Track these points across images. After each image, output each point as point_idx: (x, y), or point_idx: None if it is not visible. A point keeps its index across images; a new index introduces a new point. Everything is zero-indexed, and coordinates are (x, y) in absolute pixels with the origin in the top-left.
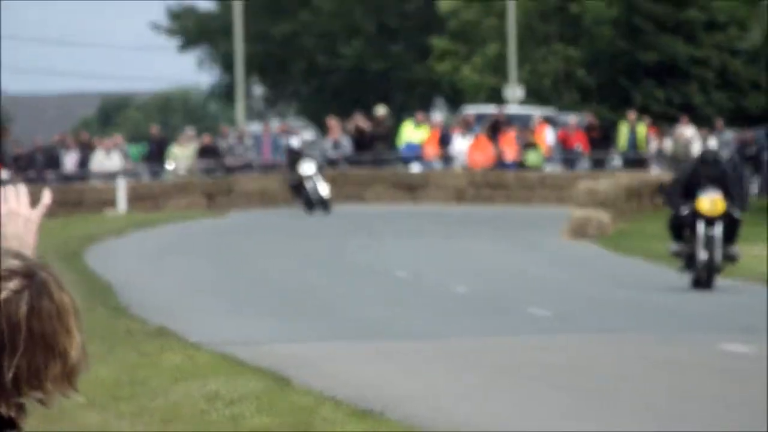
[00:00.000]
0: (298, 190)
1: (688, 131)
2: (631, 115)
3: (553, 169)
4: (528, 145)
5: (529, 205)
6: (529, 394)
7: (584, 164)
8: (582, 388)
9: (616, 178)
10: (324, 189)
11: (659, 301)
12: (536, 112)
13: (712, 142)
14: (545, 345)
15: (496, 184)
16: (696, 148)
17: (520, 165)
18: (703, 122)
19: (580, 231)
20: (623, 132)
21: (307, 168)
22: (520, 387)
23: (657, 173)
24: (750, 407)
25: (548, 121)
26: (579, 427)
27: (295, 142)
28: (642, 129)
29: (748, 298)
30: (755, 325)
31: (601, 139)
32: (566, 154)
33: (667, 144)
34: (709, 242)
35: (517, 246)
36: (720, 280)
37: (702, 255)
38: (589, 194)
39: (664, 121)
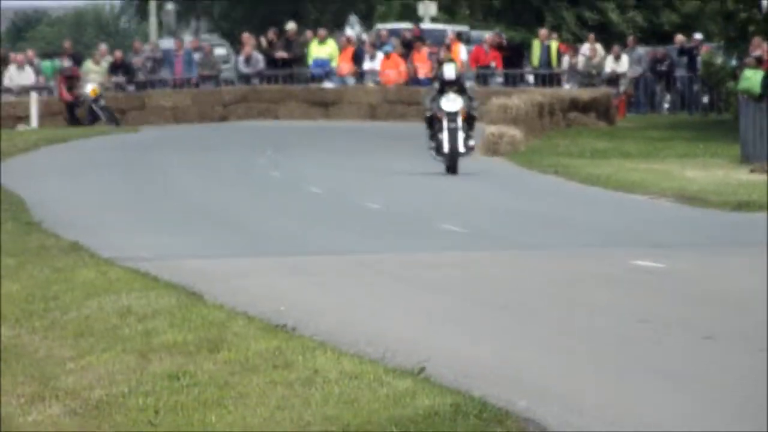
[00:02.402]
0: None
1: (600, 49)
2: (543, 32)
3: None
4: (441, 61)
5: None
6: (442, 309)
7: (497, 81)
8: (496, 303)
9: (528, 95)
10: None
11: (571, 216)
12: (449, 28)
13: (624, 59)
14: (458, 261)
15: (409, 100)
16: (608, 65)
17: (433, 81)
18: (616, 40)
19: (492, 147)
20: (536, 49)
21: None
22: (433, 302)
23: (569, 89)
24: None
25: (461, 38)
26: (496, 345)
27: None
28: (554, 46)
29: (657, 213)
30: (666, 241)
31: (514, 56)
32: (480, 71)
33: (580, 60)
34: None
35: (430, 162)
36: (634, 196)
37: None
38: (501, 111)
39: (575, 40)
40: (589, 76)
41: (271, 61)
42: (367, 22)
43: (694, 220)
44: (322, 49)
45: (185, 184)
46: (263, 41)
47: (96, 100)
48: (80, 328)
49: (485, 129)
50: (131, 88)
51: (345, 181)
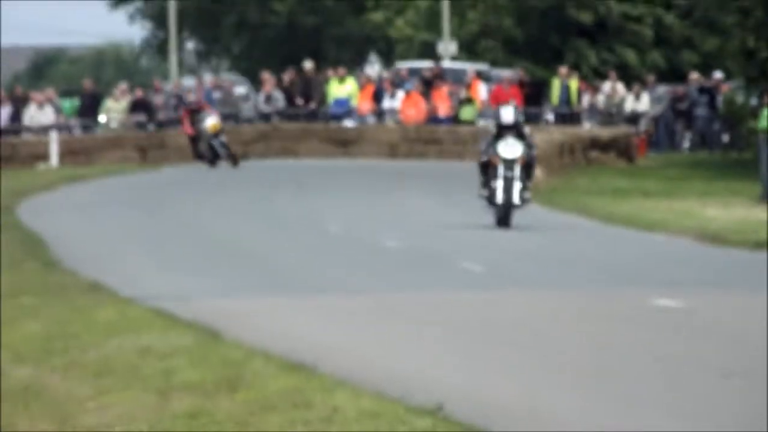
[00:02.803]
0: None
1: (621, 88)
2: (563, 70)
3: (486, 124)
4: (462, 100)
5: (462, 161)
6: (463, 348)
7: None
8: (515, 342)
9: (549, 134)
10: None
11: (591, 255)
12: (469, 66)
13: (644, 98)
14: (478, 300)
15: (429, 139)
16: (628, 104)
17: (453, 120)
18: (636, 78)
19: None
20: (555, 87)
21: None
22: (453, 341)
23: (589, 128)
24: (682, 360)
25: (481, 76)
26: (515, 383)
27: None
28: (574, 84)
29: (677, 252)
30: (686, 279)
31: (534, 94)
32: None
33: (600, 99)
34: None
35: (450, 201)
36: (654, 235)
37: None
38: None
39: (596, 78)
40: (609, 115)
41: (291, 100)
42: (387, 60)
43: (714, 259)
44: (341, 88)
45: (204, 222)
46: (284, 79)
47: (216, 135)
48: (100, 368)
49: None
50: (151, 126)
51: (363, 220)
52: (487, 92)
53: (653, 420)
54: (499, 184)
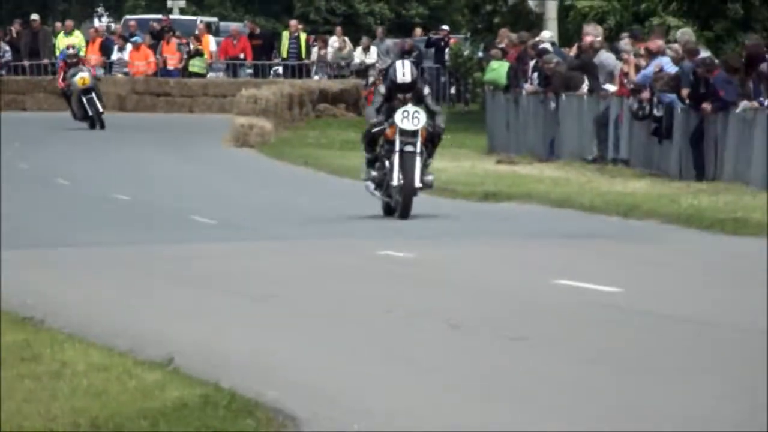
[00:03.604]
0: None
1: (348, 41)
2: (293, 23)
3: (216, 76)
4: (191, 53)
5: (192, 113)
6: (194, 301)
7: (247, 72)
8: (246, 294)
9: (278, 86)
10: None
11: (321, 207)
12: (199, 19)
13: (373, 51)
14: (210, 252)
15: (158, 91)
16: (357, 57)
17: (182, 73)
18: (365, 32)
19: (242, 139)
20: (285, 40)
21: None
22: (183, 294)
23: (319, 81)
24: (419, 307)
25: (210, 29)
26: (247, 336)
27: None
28: (303, 37)
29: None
30: (414, 230)
31: (264, 47)
32: (229, 62)
33: (329, 52)
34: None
35: (180, 154)
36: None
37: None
38: (251, 102)
39: (326, 31)
40: (339, 67)
41: (18, 53)
42: (116, 13)
43: (443, 210)
44: (69, 41)
45: None
46: (10, 32)
47: (87, 91)
48: None
49: (234, 120)
50: None
51: (93, 173)
52: (216, 45)
53: (385, 370)
54: (395, 163)
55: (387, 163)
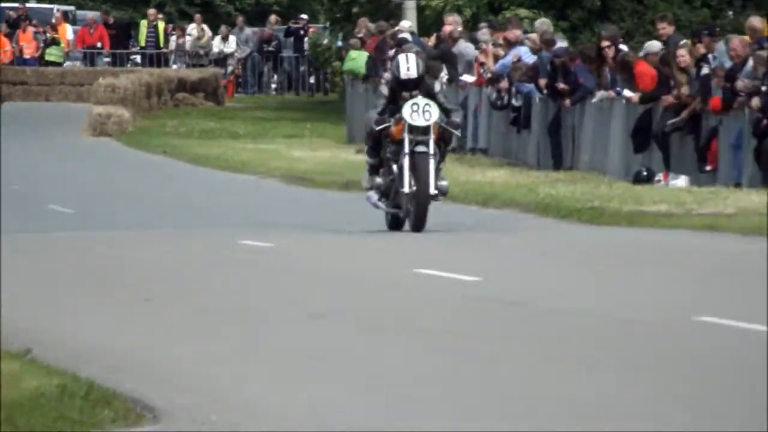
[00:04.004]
0: None
1: (207, 30)
2: (151, 11)
3: (73, 65)
4: (48, 41)
5: (49, 101)
6: (50, 290)
7: (105, 61)
8: (104, 283)
9: (136, 75)
10: None
11: (180, 196)
12: (56, 7)
13: (232, 40)
14: (67, 241)
15: (14, 80)
16: (216, 46)
17: (39, 61)
18: (224, 20)
19: (100, 128)
20: (143, 29)
21: None
22: (40, 283)
23: (177, 69)
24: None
25: (67, 17)
26: (99, 325)
27: None
28: (161, 25)
29: (265, 193)
30: (274, 220)
31: (121, 36)
32: (86, 51)
33: (187, 41)
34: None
35: (37, 143)
36: (242, 176)
37: None
38: (109, 91)
39: (183, 19)
40: (197, 56)
41: None
42: None
43: (301, 199)
44: None
45: None
46: None
47: None
48: None
49: (92, 109)
50: None
51: None
52: (73, 33)
53: (241, 359)
54: (405, 165)
55: (395, 167)
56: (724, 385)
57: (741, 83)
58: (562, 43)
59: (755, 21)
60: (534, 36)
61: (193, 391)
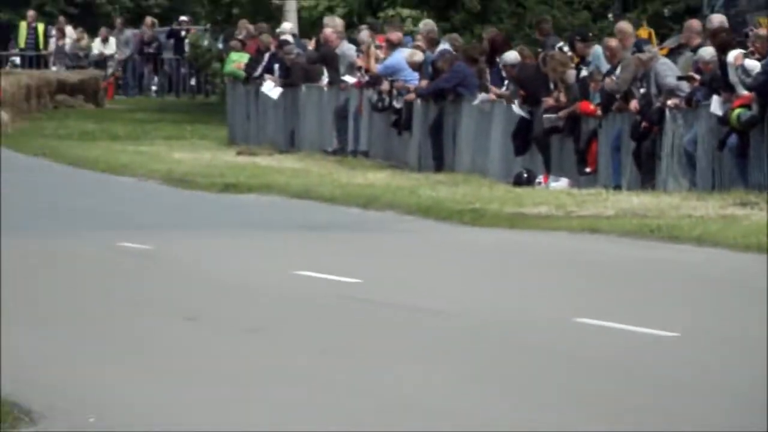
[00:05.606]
0: None
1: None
2: (31, 13)
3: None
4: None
5: None
6: None
7: None
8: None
9: (15, 77)
10: None
11: (59, 198)
12: None
13: (112, 42)
14: None
15: None
16: (96, 48)
17: None
18: (104, 22)
19: None
20: (23, 30)
21: None
22: None
23: (57, 71)
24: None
25: None
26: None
27: None
28: (41, 27)
29: (145, 195)
30: (153, 222)
31: (1, 37)
32: None
33: (67, 42)
34: None
35: None
36: (122, 178)
37: None
38: None
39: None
40: (77, 58)
41: None
42: None
43: (182, 201)
44: None
45: None
46: None
47: None
48: None
49: None
50: None
51: None
52: None
53: (118, 362)
54: None
55: None
56: (601, 385)
57: (609, 81)
58: (444, 45)
59: (623, 25)
60: (419, 37)
61: (70, 395)
